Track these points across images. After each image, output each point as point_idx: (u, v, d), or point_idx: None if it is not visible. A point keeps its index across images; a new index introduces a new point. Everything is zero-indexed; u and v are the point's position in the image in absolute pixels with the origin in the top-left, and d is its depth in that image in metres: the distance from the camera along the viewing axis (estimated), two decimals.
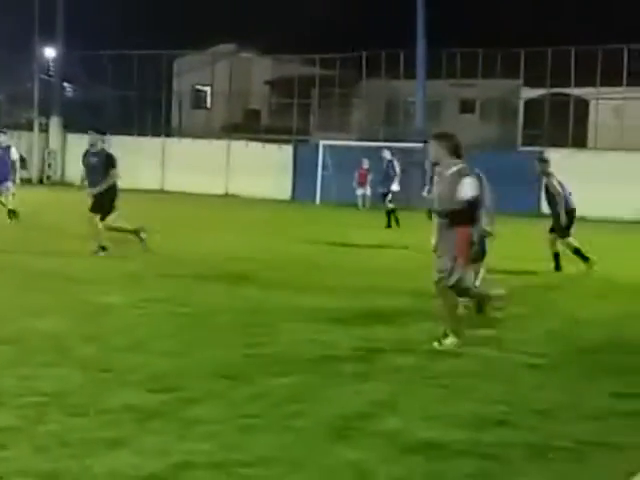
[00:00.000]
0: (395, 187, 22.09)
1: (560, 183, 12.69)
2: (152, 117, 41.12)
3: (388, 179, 22.18)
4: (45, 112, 41.53)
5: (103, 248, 12.43)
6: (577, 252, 12.74)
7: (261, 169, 35.13)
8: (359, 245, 16.30)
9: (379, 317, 8.52)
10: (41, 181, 40.24)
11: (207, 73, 43.92)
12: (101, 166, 12.97)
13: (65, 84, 43.57)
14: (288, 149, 36.27)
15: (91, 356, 6.27)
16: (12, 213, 17.51)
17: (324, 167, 33.61)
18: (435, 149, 7.42)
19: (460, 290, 7.34)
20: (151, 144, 39.09)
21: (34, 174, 40.48)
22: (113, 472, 3.98)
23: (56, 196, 30.44)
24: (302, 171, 35.05)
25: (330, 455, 4.39)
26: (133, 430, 4.61)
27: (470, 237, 7.22)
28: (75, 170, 40.78)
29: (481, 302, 8.04)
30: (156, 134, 39.55)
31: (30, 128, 41.46)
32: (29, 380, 5.50)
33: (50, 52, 42.00)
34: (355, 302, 9.41)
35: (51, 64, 42.16)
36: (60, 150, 41.33)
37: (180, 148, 38.66)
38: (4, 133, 17.94)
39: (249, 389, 5.56)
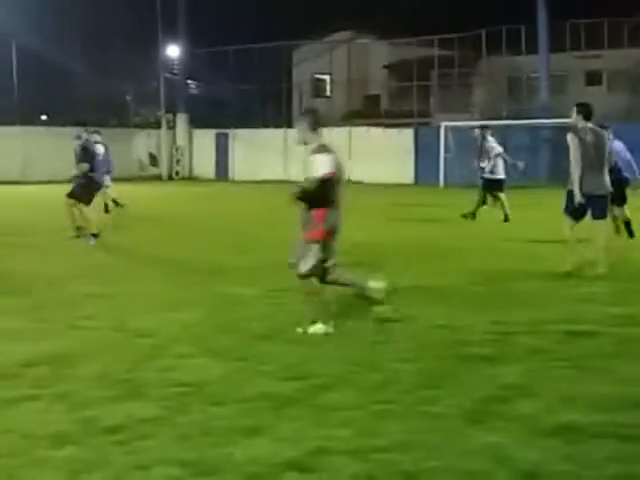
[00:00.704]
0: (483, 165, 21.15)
1: None
2: (273, 109, 41.66)
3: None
4: (171, 109, 42.67)
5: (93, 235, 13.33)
6: None
7: (383, 154, 35.06)
8: (487, 226, 16.05)
9: (510, 300, 8.39)
10: (170, 177, 41.39)
11: (326, 61, 44.12)
12: (77, 157, 14.22)
13: (189, 81, 44.61)
14: (409, 132, 36.05)
15: (227, 346, 6.43)
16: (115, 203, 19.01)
17: (446, 149, 33.24)
18: (299, 129, 7.02)
19: (305, 276, 6.92)
20: (273, 136, 39.61)
21: (163, 171, 41.69)
22: (253, 459, 4.07)
23: (185, 191, 31.24)
24: (424, 154, 34.76)
25: (466, 440, 4.36)
26: (270, 418, 4.71)
27: (325, 219, 6.81)
28: (203, 165, 42.04)
29: (359, 291, 7.53)
30: (278, 125, 40.04)
31: (158, 126, 42.71)
32: (169, 371, 5.70)
33: (173, 50, 43.09)
34: (485, 285, 9.30)
35: (175, 62, 43.24)
36: (187, 146, 42.41)
37: None
38: (99, 133, 18.87)
39: (381, 375, 5.58)
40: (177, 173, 41.85)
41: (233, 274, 10.15)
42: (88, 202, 13.73)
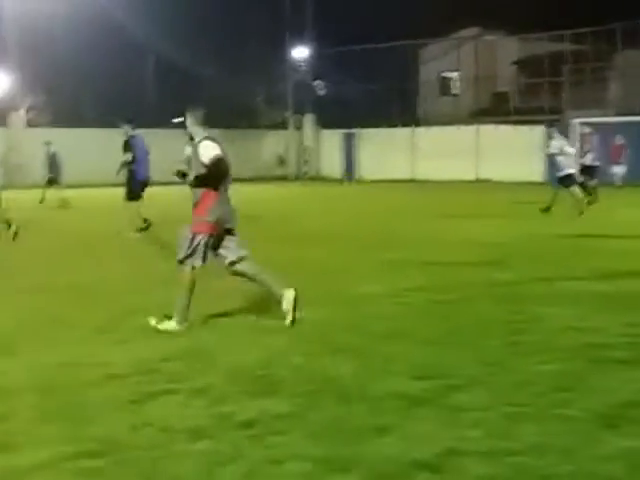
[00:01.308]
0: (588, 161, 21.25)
1: None
2: (400, 108, 41.59)
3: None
4: (299, 110, 43.21)
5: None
6: None
7: (512, 152, 34.48)
8: (619, 225, 15.58)
9: None
10: (298, 177, 41.92)
11: (452, 59, 43.74)
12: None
13: (316, 82, 45.05)
14: (540, 130, 35.30)
15: (356, 345, 6.47)
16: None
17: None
18: (188, 122, 7.29)
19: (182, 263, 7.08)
20: (400, 134, 39.54)
21: (291, 171, 42.28)
22: (384, 458, 4.10)
23: (313, 191, 31.58)
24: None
25: (601, 444, 4.26)
26: (400, 417, 4.73)
27: (212, 205, 7.02)
28: (330, 165, 42.39)
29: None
30: (405, 124, 39.94)
31: (286, 127, 43.33)
32: (300, 369, 5.79)
33: (301, 52, 43.62)
34: (614, 285, 9.04)
35: (302, 63, 43.76)
36: (315, 146, 42.86)
37: (429, 136, 38.79)
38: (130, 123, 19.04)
39: (513, 377, 5.51)
40: (305, 173, 42.35)
41: (361, 272, 10.20)
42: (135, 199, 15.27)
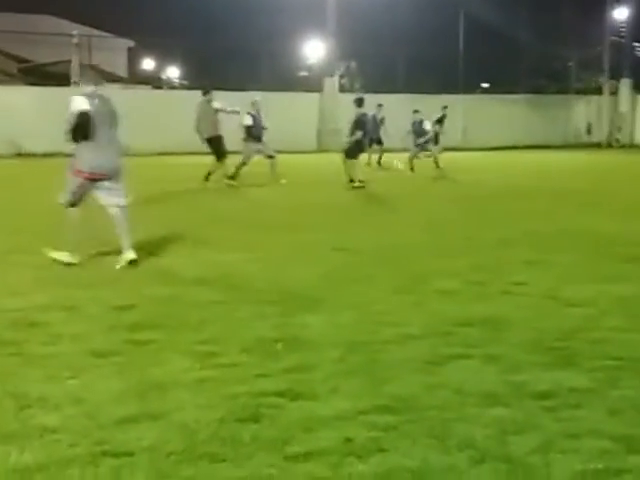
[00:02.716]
0: None
1: None
2: None
3: None
4: (615, 75, 41.09)
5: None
6: None
7: None
8: None
9: None
10: (610, 145, 40.01)
11: None
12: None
13: (636, 44, 42.49)
14: None
15: None
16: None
17: None
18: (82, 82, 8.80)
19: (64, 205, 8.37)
20: None
21: (603, 138, 40.43)
22: None
23: (624, 159, 30.01)
24: None
25: None
26: None
27: (82, 160, 8.19)
28: None
29: None
30: None
31: (599, 92, 41.42)
32: (601, 343, 5.56)
33: (621, 12, 41.31)
34: None
35: (622, 25, 41.44)
36: (630, 112, 40.60)
37: None
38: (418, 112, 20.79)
39: None
40: (617, 140, 40.30)
41: None
42: None
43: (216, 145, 17.57)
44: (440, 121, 25.26)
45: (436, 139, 24.27)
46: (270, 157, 18.27)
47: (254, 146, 17.94)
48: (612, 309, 6.57)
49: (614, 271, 8.19)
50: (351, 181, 17.62)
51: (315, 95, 34.55)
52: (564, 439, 3.93)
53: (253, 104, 18.22)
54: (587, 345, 5.53)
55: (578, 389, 4.63)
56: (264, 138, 18.20)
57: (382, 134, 24.99)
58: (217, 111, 17.74)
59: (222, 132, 17.64)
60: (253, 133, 17.92)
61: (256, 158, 18.21)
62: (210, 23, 41.32)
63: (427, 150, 21.82)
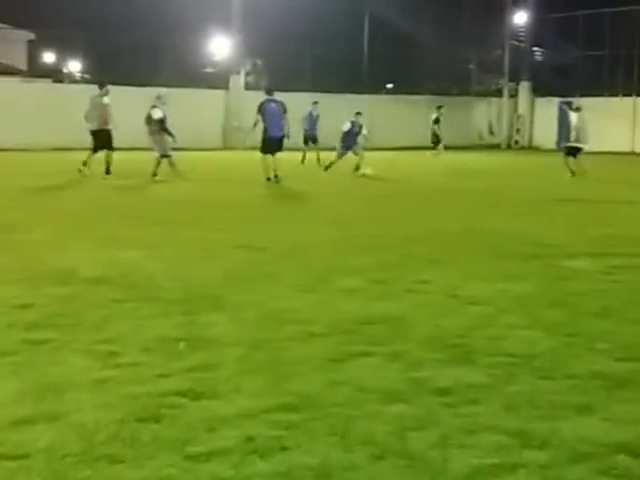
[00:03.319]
0: None
1: None
2: (623, 76, 39.56)
3: None
4: (514, 78, 42.14)
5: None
6: None
7: None
8: None
9: None
10: (509, 146, 41.02)
11: None
12: None
13: (534, 48, 43.68)
14: None
15: (559, 320, 6.28)
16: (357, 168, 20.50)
17: None
18: None
19: None
20: (621, 105, 37.67)
21: (502, 139, 41.42)
22: (581, 437, 3.96)
23: (524, 160, 30.82)
24: None
25: None
26: (601, 397, 4.55)
27: None
28: (543, 134, 41.13)
29: None
30: (626, 94, 37.99)
31: (499, 94, 42.41)
32: (499, 340, 5.70)
33: (520, 17, 42.37)
34: None
35: (521, 29, 42.52)
36: (528, 115, 41.70)
37: None
38: (360, 114, 21.47)
39: None
40: (516, 142, 41.35)
41: (566, 247, 9.87)
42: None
43: (101, 139, 17.73)
44: (437, 121, 25.93)
45: (437, 139, 25.09)
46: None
47: (169, 139, 17.86)
48: (509, 307, 6.73)
49: (513, 270, 8.40)
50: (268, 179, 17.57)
51: (221, 92, 34.36)
52: (462, 434, 4.01)
53: (159, 98, 18.08)
54: (485, 342, 5.66)
55: (476, 385, 4.73)
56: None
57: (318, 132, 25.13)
58: (105, 106, 17.90)
59: (112, 127, 17.83)
60: (166, 126, 17.82)
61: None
62: (113, 16, 40.55)
63: (357, 153, 21.52)
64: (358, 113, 21.89)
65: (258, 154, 18.39)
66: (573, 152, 20.80)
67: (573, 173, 20.48)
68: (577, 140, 20.80)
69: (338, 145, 21.61)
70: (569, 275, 8.15)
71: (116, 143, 18.42)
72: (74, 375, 4.81)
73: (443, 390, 4.62)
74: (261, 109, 18.19)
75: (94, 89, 19.23)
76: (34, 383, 4.65)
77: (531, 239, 10.48)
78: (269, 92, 18.74)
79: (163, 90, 19.74)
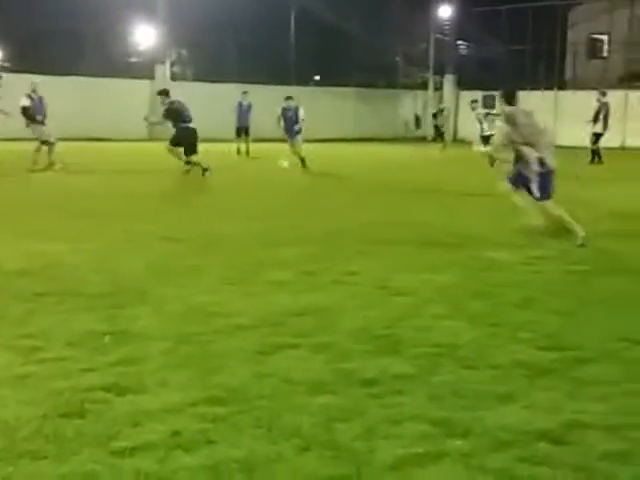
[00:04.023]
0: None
1: None
2: (545, 70, 40.37)
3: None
4: (439, 71, 42.61)
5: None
6: None
7: None
8: None
9: None
10: (435, 139, 41.48)
11: (604, 22, 41.96)
12: None
13: (459, 42, 44.22)
14: None
15: (482, 311, 6.39)
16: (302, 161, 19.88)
17: None
18: None
19: None
20: (543, 98, 38.41)
21: (429, 132, 41.86)
22: (504, 426, 4.05)
23: (449, 153, 31.15)
24: None
25: None
26: (523, 386, 4.65)
27: None
28: (469, 127, 41.66)
29: None
30: (548, 88, 38.77)
31: (425, 87, 42.84)
32: (424, 331, 5.77)
33: (445, 11, 42.84)
34: None
35: (446, 22, 42.99)
36: (453, 108, 42.22)
37: (574, 101, 37.53)
38: (291, 99, 20.89)
39: None
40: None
41: (490, 239, 10.03)
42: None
43: None
44: (436, 115, 26.06)
45: (439, 132, 25.26)
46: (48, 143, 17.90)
47: (39, 127, 17.68)
48: (434, 297, 6.82)
49: (438, 261, 8.51)
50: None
51: (146, 82, 33.92)
52: (388, 425, 4.05)
53: (32, 86, 17.91)
54: (411, 332, 5.72)
55: (401, 375, 4.78)
56: (49, 123, 17.88)
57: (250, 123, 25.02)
58: None
59: None
60: (30, 114, 17.64)
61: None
62: (34, 2, 39.67)
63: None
64: (289, 97, 21.21)
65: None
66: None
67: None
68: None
69: (285, 135, 20.60)
70: (491, 266, 8.30)
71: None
72: None
73: (369, 381, 4.66)
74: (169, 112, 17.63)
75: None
76: None
77: (455, 231, 10.63)
78: (167, 93, 18.02)
79: (37, 79, 19.37)
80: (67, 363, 4.89)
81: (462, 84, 42.17)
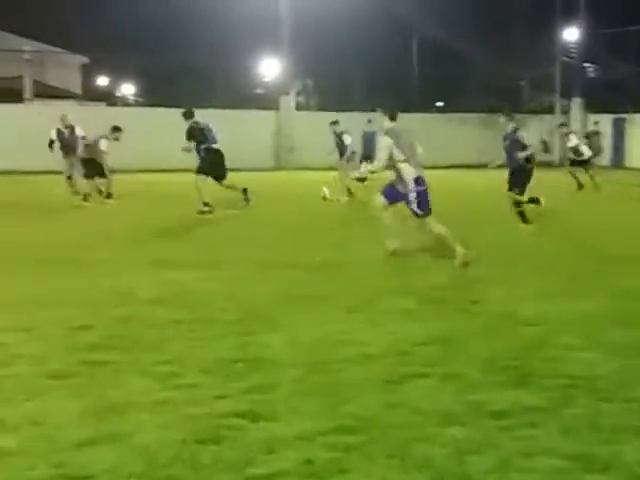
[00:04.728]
0: None
1: None
2: None
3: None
4: (566, 94, 41.77)
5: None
6: None
7: None
8: None
9: None
10: (562, 164, 40.61)
11: None
12: None
13: (586, 64, 43.26)
14: None
15: (623, 341, 6.18)
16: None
17: None
18: None
19: None
20: None
21: (556, 156, 41.03)
22: None
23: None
24: None
25: None
26: None
27: None
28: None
29: None
30: None
31: (551, 111, 42.06)
32: (556, 362, 5.65)
33: (571, 33, 42.04)
34: None
35: (573, 45, 42.16)
36: (581, 131, 41.27)
37: None
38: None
39: None
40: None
41: (632, 265, 9.73)
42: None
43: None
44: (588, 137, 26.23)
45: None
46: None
47: (66, 159, 18.02)
48: (568, 327, 6.66)
49: (571, 287, 8.30)
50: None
51: (271, 113, 34.60)
52: (520, 458, 3.99)
53: (62, 119, 18.20)
54: (542, 363, 5.61)
55: (533, 408, 4.69)
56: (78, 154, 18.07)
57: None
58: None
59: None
60: (58, 147, 18.04)
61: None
62: (165, 39, 41.20)
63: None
64: (334, 122, 20.18)
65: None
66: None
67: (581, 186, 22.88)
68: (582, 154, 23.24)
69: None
70: (629, 294, 8.03)
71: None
72: (134, 396, 4.89)
73: (499, 413, 4.61)
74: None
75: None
76: (95, 405, 4.74)
77: (589, 255, 10.37)
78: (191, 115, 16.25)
79: (67, 112, 19.50)
80: (202, 389, 5.03)
81: (590, 107, 41.21)
